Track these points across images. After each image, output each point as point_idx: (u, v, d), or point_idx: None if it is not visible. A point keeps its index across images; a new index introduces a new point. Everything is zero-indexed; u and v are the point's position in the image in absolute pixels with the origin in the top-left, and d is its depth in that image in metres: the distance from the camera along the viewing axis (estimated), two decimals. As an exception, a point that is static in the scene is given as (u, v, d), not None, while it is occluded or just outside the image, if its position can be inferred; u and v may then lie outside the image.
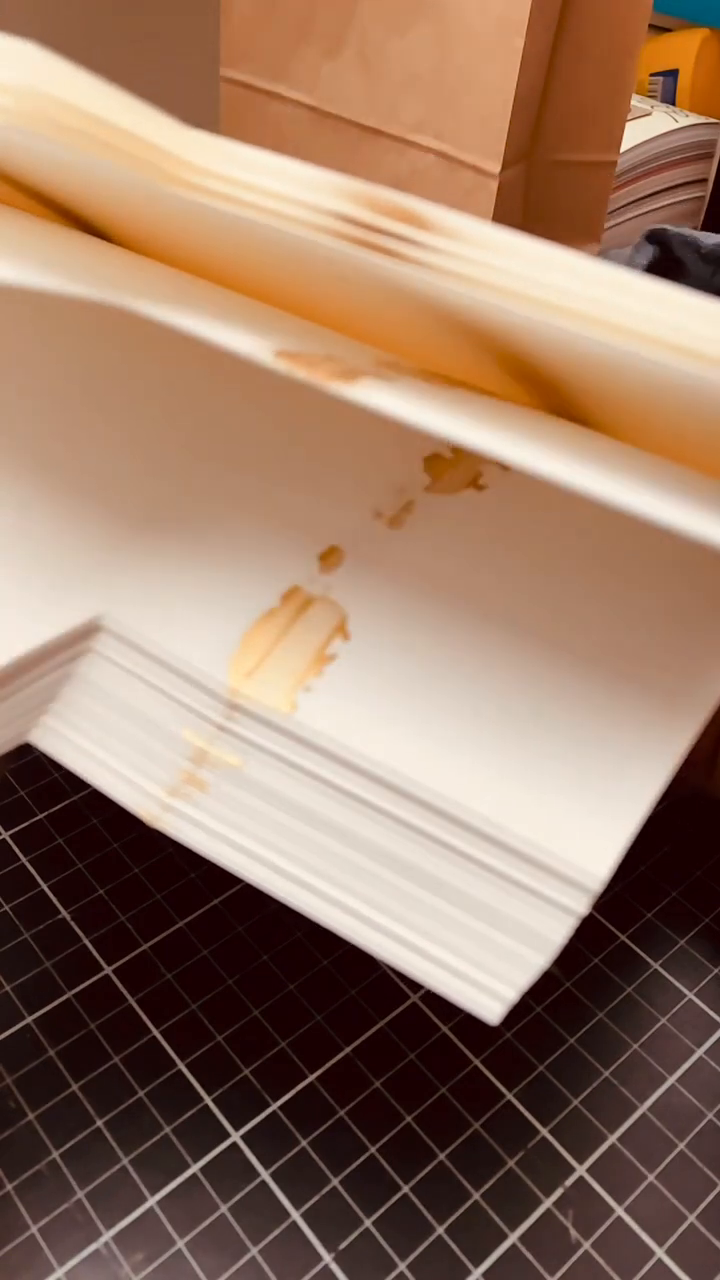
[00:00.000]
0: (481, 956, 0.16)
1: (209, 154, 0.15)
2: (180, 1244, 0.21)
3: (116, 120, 0.15)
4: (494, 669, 0.18)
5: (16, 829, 0.28)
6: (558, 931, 0.16)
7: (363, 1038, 0.24)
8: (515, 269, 0.14)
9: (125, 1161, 0.22)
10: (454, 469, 0.20)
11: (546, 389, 0.19)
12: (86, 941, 0.26)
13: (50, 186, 0.21)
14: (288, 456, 0.20)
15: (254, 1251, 0.21)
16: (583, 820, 0.16)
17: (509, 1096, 0.24)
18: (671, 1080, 0.24)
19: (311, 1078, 0.24)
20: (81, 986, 0.25)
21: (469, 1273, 0.21)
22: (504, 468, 0.20)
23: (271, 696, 0.18)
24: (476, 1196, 0.22)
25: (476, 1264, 0.21)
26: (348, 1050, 0.24)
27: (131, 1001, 0.25)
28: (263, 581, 0.19)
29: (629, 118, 0.48)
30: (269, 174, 0.15)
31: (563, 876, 0.16)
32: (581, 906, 0.16)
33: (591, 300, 0.14)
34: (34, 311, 0.22)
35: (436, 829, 0.17)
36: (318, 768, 0.17)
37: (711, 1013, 0.25)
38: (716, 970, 0.26)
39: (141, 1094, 0.23)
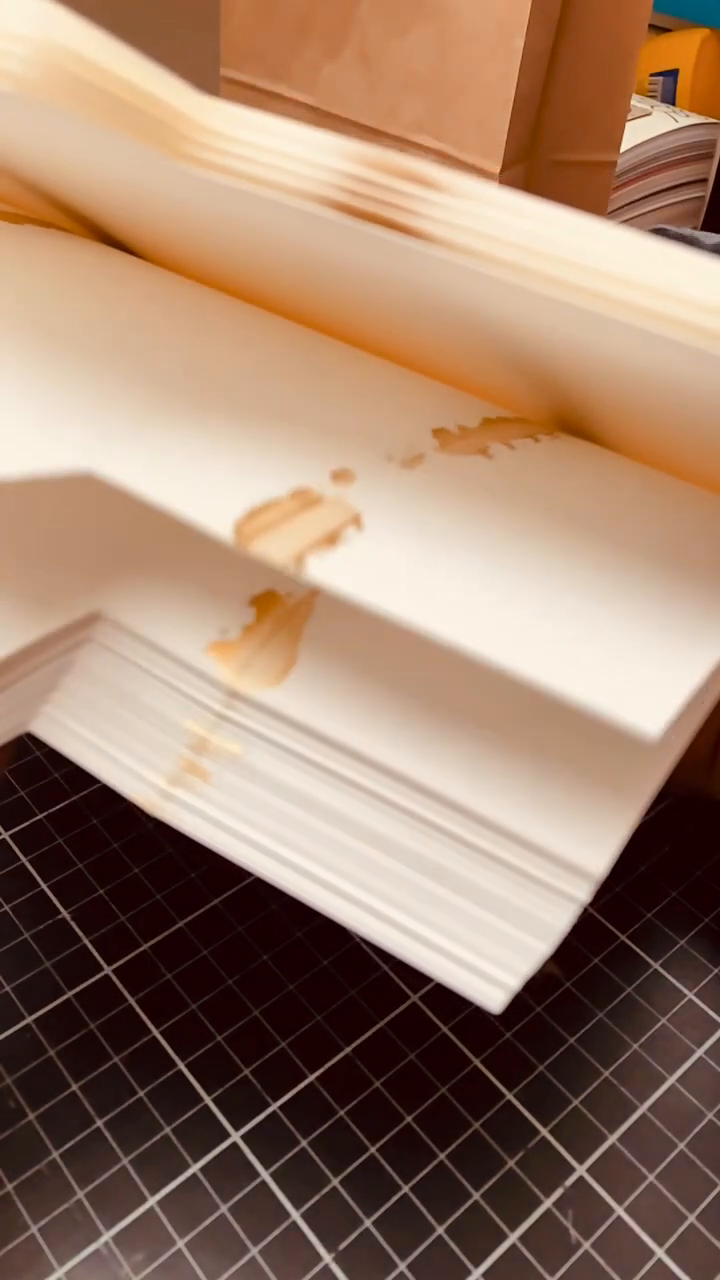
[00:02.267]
0: (483, 944, 0.16)
1: (219, 117, 0.15)
2: (180, 1244, 0.21)
3: (130, 77, 0.15)
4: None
5: (16, 829, 0.28)
6: (560, 918, 0.16)
7: (363, 1038, 0.24)
8: (524, 228, 0.14)
9: (125, 1161, 0.22)
10: (462, 440, 0.20)
11: (557, 394, 0.19)
12: (86, 941, 0.26)
13: (64, 190, 0.21)
14: (292, 427, 0.20)
15: (254, 1251, 0.21)
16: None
17: (509, 1096, 0.24)
18: (671, 1080, 0.24)
19: (311, 1078, 0.24)
20: (81, 986, 0.25)
21: (469, 1273, 0.21)
22: (511, 446, 0.20)
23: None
24: (476, 1196, 0.22)
25: (476, 1264, 0.21)
26: (348, 1050, 0.24)
27: (131, 1001, 0.25)
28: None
29: (629, 118, 0.48)
30: (279, 137, 0.15)
31: (565, 863, 0.16)
32: (583, 894, 0.16)
33: (600, 261, 0.14)
34: (26, 278, 0.22)
35: (436, 816, 0.17)
36: (318, 755, 0.17)
37: (711, 1013, 0.25)
38: (716, 970, 0.26)
39: (141, 1094, 0.23)
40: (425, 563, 0.17)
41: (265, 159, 0.15)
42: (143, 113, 0.15)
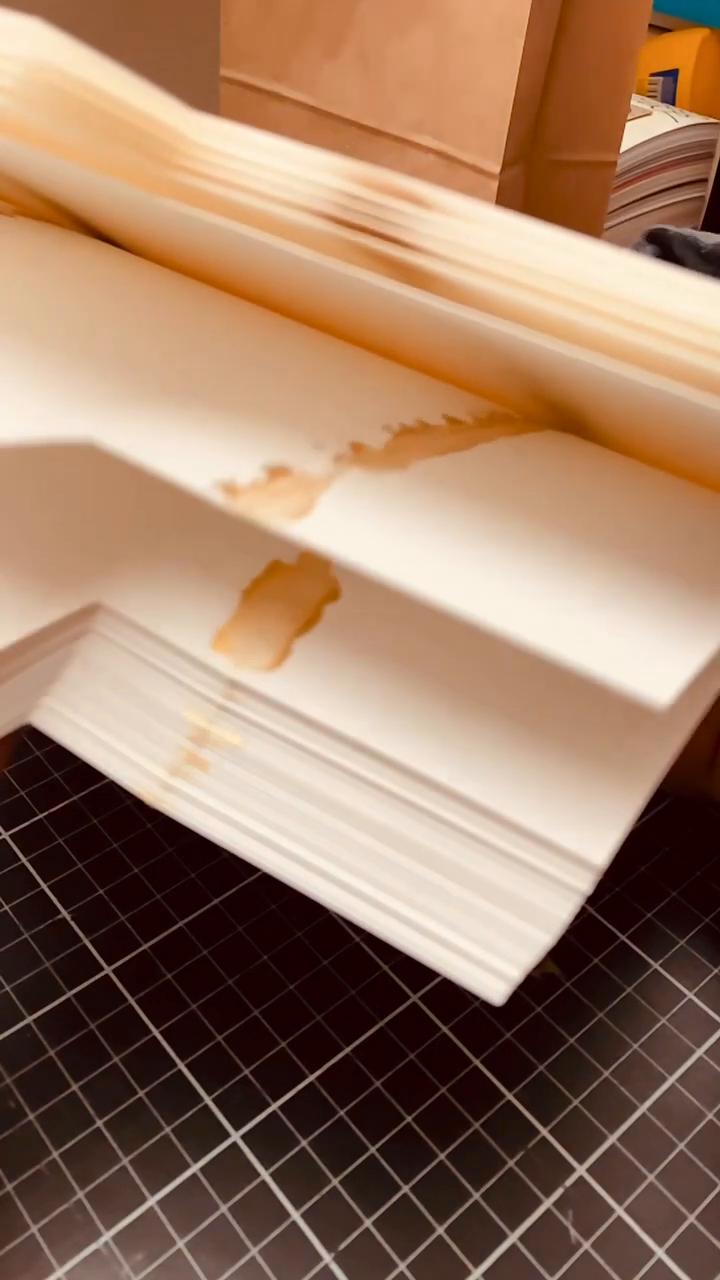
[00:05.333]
0: (484, 934, 0.16)
1: (213, 134, 0.16)
2: (180, 1244, 0.21)
3: (123, 95, 0.15)
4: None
5: (16, 829, 0.28)
6: (562, 909, 0.16)
7: (363, 1038, 0.24)
8: (515, 246, 0.14)
9: (125, 1161, 0.22)
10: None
11: (559, 405, 0.19)
12: (86, 941, 0.26)
13: (52, 189, 0.21)
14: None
15: (254, 1251, 0.21)
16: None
17: (509, 1096, 0.24)
18: (671, 1080, 0.24)
19: (311, 1078, 0.24)
20: (81, 986, 0.25)
21: (469, 1273, 0.21)
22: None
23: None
24: (476, 1196, 0.22)
25: (476, 1264, 0.21)
26: (348, 1050, 0.24)
27: (131, 1001, 0.25)
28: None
29: (629, 118, 0.48)
30: (272, 154, 0.15)
31: (566, 854, 0.16)
32: (585, 884, 0.16)
33: (598, 293, 0.14)
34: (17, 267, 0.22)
35: (437, 806, 0.17)
36: (319, 747, 0.17)
37: (711, 1013, 0.25)
38: (716, 970, 0.26)
39: (141, 1094, 0.23)
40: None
41: (258, 174, 0.15)
42: (136, 129, 0.15)
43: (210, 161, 0.16)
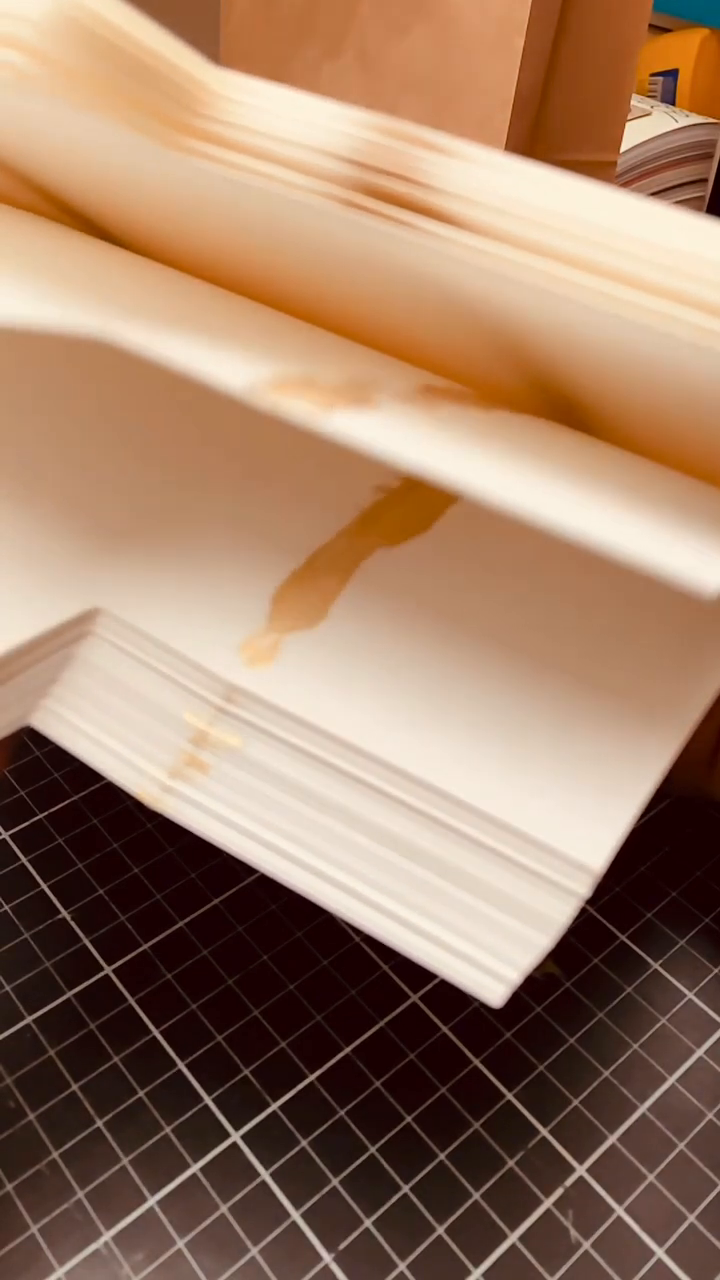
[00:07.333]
0: (483, 937, 0.16)
1: (234, 86, 0.16)
2: (180, 1244, 0.21)
3: (147, 41, 0.15)
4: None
5: (16, 829, 0.28)
6: (561, 912, 0.16)
7: (363, 1038, 0.24)
8: (533, 191, 0.14)
9: (125, 1161, 0.22)
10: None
11: (558, 393, 0.19)
12: (86, 941, 0.26)
13: (57, 181, 0.21)
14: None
15: (254, 1251, 0.21)
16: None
17: (509, 1096, 0.24)
18: (671, 1080, 0.24)
19: (311, 1078, 0.24)
20: (81, 986, 0.25)
21: (469, 1273, 0.21)
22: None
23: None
24: (476, 1196, 0.22)
25: (476, 1264, 0.21)
26: (348, 1050, 0.24)
27: (131, 1001, 0.25)
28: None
29: (629, 118, 0.48)
30: (293, 104, 0.15)
31: (565, 857, 0.16)
32: (584, 888, 0.16)
33: (604, 220, 0.14)
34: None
35: (435, 809, 0.17)
36: (319, 749, 0.17)
37: (711, 1013, 0.25)
38: (716, 970, 0.26)
39: (141, 1094, 0.23)
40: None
41: (280, 122, 0.15)
42: (159, 74, 0.15)
43: (233, 110, 0.16)
